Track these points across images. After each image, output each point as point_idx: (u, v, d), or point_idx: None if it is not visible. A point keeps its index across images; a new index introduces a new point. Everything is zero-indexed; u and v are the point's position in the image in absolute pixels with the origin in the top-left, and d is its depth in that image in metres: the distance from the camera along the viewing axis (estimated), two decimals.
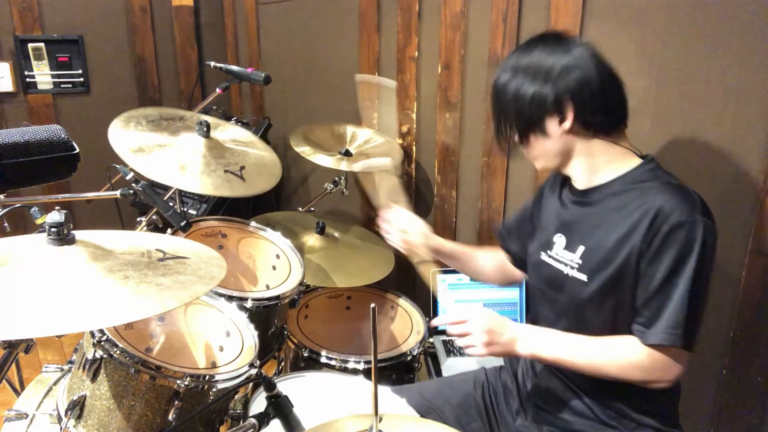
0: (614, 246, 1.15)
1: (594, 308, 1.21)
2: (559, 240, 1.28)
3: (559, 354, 1.20)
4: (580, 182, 1.25)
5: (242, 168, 1.78)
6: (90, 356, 1.22)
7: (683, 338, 1.10)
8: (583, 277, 1.21)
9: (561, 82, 1.14)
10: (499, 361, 1.59)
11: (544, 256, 1.32)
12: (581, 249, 1.22)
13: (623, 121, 1.22)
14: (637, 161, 1.20)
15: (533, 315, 1.42)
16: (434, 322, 1.33)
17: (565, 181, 1.32)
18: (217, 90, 2.29)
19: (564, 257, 1.26)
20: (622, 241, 1.14)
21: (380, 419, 0.99)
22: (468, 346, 1.23)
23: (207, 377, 1.27)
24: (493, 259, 1.56)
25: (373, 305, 0.84)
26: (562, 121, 1.17)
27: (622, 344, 1.16)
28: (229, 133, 1.95)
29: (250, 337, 1.45)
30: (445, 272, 2.02)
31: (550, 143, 1.21)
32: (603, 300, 1.19)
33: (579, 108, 1.15)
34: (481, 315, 1.24)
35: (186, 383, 1.22)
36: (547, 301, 1.33)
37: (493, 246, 1.58)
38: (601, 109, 1.17)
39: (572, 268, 1.23)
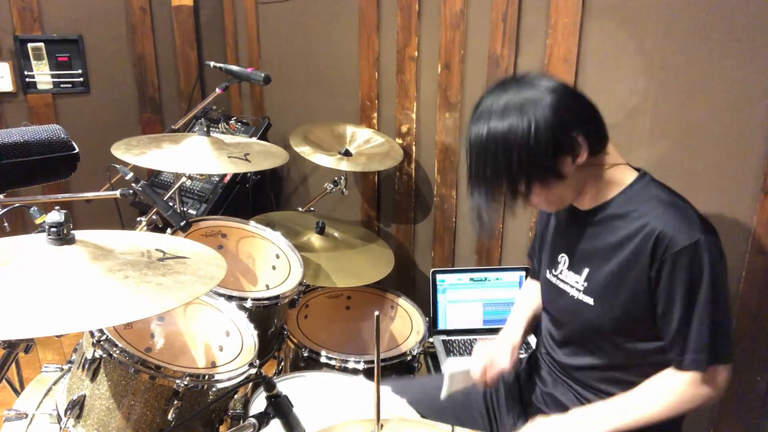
0: (619, 271, 1.14)
1: (601, 331, 1.19)
2: (564, 260, 1.27)
3: (613, 427, 1.14)
4: (585, 204, 1.21)
5: (247, 154, 1.84)
6: (89, 356, 1.22)
7: (708, 360, 1.08)
8: (589, 300, 1.19)
9: (563, 117, 1.06)
10: None
11: (550, 275, 1.31)
12: (586, 271, 1.21)
13: (607, 138, 1.18)
14: (633, 175, 1.18)
15: (541, 335, 1.40)
16: None
17: None
18: (217, 90, 2.29)
19: (569, 278, 1.25)
20: (627, 267, 1.12)
21: (381, 426, 0.99)
22: None
23: (207, 377, 1.27)
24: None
25: (377, 313, 0.84)
26: (575, 158, 1.10)
27: (660, 385, 1.14)
28: (230, 138, 2.00)
29: (249, 336, 1.45)
30: (445, 272, 2.02)
31: (565, 185, 1.13)
32: (610, 323, 1.17)
33: (589, 138, 1.10)
34: None
35: (185, 383, 1.22)
36: (554, 321, 1.32)
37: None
38: (601, 132, 1.14)
39: (578, 290, 1.22)
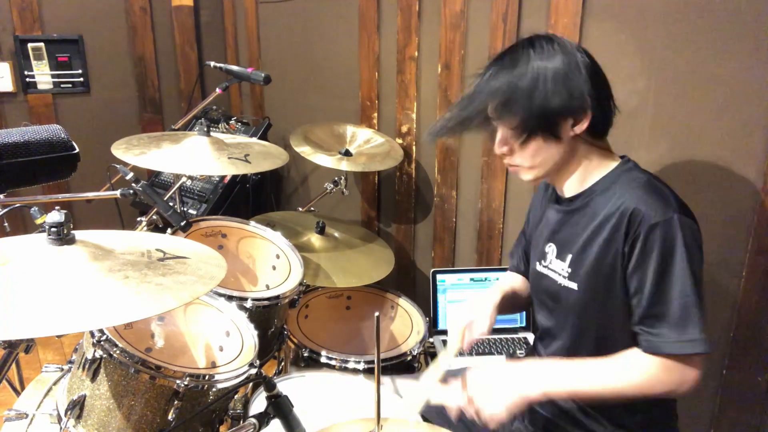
0: (598, 254, 1.14)
1: (588, 317, 1.20)
2: (551, 249, 1.28)
3: (571, 387, 1.12)
4: (569, 190, 1.22)
5: (247, 155, 1.83)
6: (90, 356, 1.22)
7: (703, 343, 1.06)
8: (574, 286, 1.20)
9: (585, 81, 1.09)
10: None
11: (539, 267, 1.31)
12: (569, 257, 1.21)
13: (611, 124, 1.18)
14: (616, 161, 1.19)
15: (537, 327, 1.40)
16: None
17: (549, 188, 1.31)
18: (217, 90, 2.29)
19: (556, 267, 1.25)
20: (606, 247, 1.13)
21: (381, 427, 0.99)
22: (485, 417, 1.12)
23: (207, 377, 1.27)
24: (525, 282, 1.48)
25: (377, 313, 0.84)
26: (575, 124, 1.11)
27: (633, 361, 1.11)
28: (230, 138, 1.99)
29: (249, 337, 1.45)
30: (445, 272, 2.02)
31: (555, 149, 1.14)
32: (595, 308, 1.17)
33: (597, 110, 1.10)
34: (470, 383, 1.15)
35: (186, 383, 1.22)
36: (546, 311, 1.32)
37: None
38: (606, 114, 1.14)
39: (564, 277, 1.22)
